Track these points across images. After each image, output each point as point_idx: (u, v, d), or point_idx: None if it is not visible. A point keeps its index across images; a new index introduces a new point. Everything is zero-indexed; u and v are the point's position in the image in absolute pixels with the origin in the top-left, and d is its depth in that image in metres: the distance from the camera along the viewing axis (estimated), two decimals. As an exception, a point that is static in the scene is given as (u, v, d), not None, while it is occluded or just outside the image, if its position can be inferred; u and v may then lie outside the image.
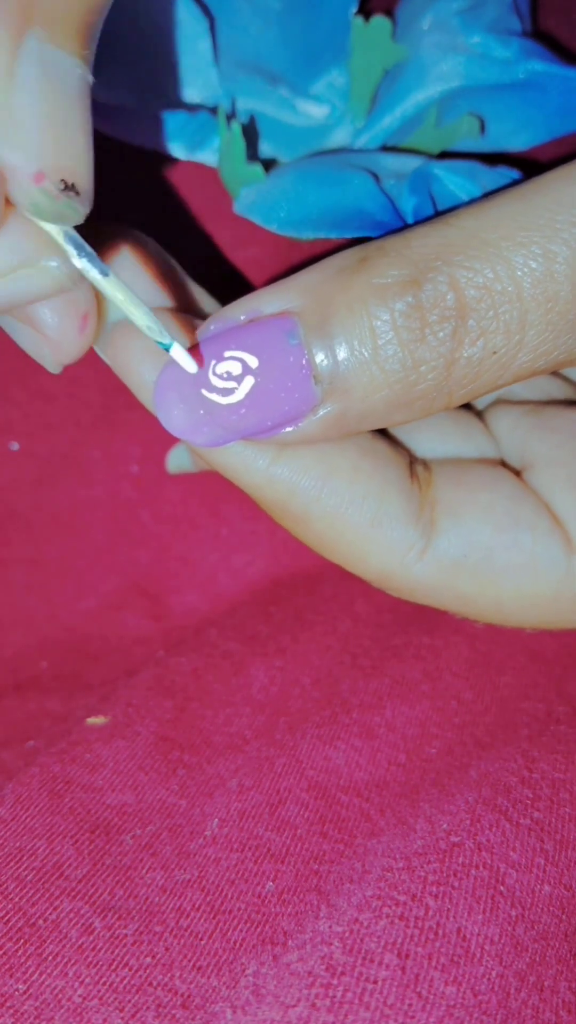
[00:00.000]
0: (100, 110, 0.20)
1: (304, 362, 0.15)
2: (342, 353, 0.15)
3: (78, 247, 0.14)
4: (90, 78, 0.13)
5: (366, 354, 0.15)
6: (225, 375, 0.15)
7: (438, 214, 0.18)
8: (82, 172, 0.13)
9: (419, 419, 0.16)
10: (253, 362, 0.15)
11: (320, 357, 0.15)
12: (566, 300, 0.14)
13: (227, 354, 0.15)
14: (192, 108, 0.21)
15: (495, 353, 0.15)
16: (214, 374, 0.15)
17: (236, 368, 0.15)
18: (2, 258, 0.14)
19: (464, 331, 0.15)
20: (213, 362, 0.15)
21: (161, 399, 0.15)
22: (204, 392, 0.15)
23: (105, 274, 0.14)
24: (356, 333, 0.15)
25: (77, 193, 0.13)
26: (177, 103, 0.20)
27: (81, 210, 0.13)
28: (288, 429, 0.15)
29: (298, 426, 0.15)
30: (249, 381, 0.15)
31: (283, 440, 0.16)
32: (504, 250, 0.14)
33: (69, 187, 0.13)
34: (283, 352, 0.15)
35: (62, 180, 0.13)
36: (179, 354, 0.15)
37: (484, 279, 0.14)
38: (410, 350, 0.15)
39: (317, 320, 0.15)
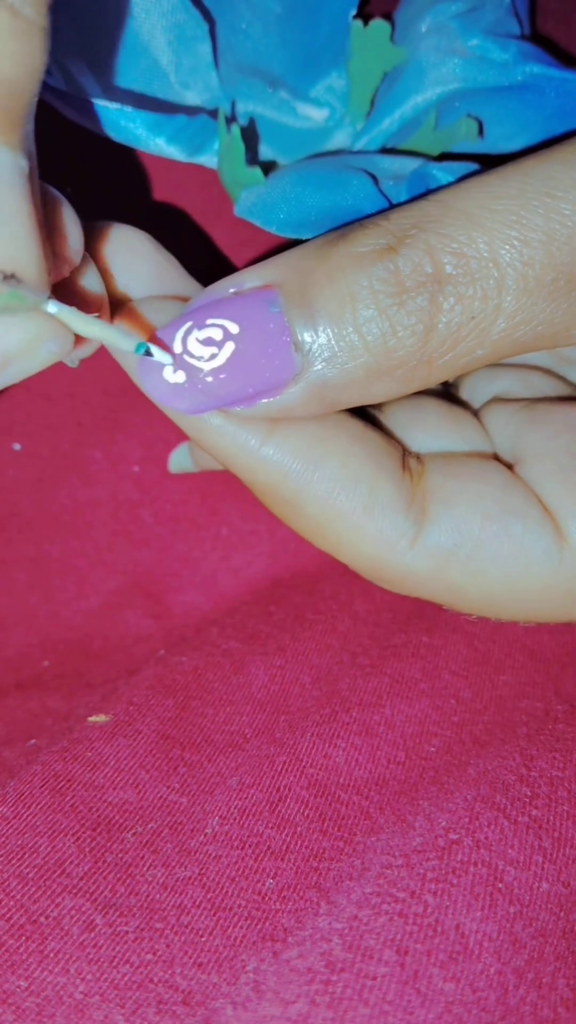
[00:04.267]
0: (89, 108, 0.21)
1: (284, 329, 0.15)
2: (321, 320, 0.15)
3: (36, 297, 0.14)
4: (24, 164, 0.13)
5: (345, 319, 0.15)
6: (207, 341, 0.15)
7: None
8: (24, 259, 0.13)
9: (402, 392, 0.16)
10: (234, 328, 0.15)
11: (300, 324, 0.15)
12: (542, 265, 0.15)
13: (209, 321, 0.15)
14: (192, 111, 0.21)
15: (473, 318, 0.15)
16: (196, 340, 0.15)
17: (218, 334, 0.15)
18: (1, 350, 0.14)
19: (442, 296, 0.15)
20: (195, 329, 0.15)
21: (145, 366, 0.15)
22: (186, 357, 0.15)
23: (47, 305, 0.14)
24: (335, 299, 0.15)
25: (21, 281, 0.13)
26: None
27: (31, 298, 0.13)
28: (270, 399, 0.16)
29: (280, 395, 0.15)
30: (230, 346, 0.15)
31: (266, 411, 0.16)
32: (479, 218, 0.15)
33: (9, 277, 0.13)
34: (263, 319, 0.15)
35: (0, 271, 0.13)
36: (157, 353, 0.15)
37: (460, 244, 0.15)
38: (388, 315, 0.15)
39: (297, 289, 0.15)
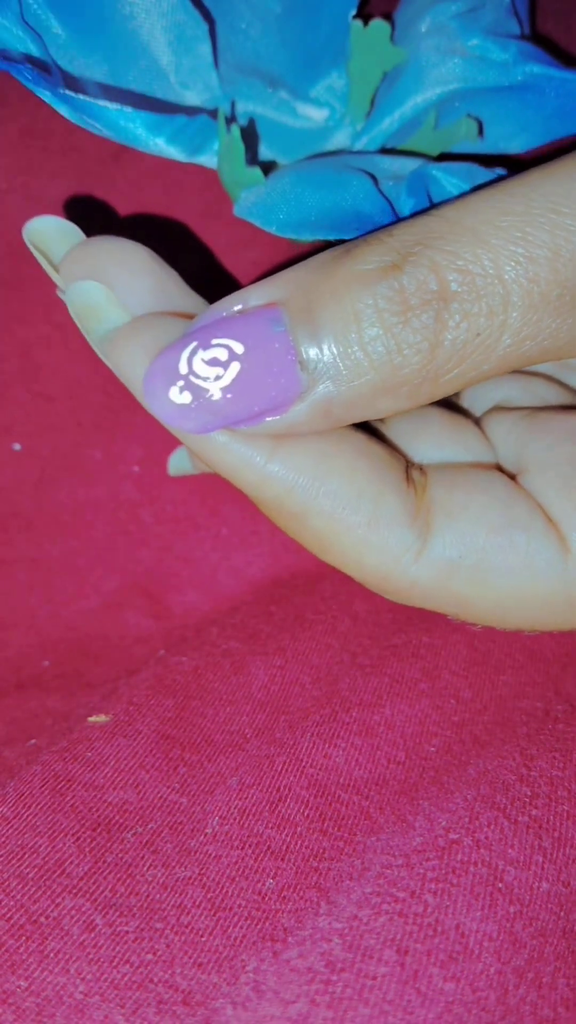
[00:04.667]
0: (89, 108, 0.21)
1: (289, 348, 0.15)
2: (326, 338, 0.15)
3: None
4: None
5: (350, 338, 0.15)
6: (212, 361, 0.15)
7: None
8: None
9: (407, 408, 0.16)
10: (239, 348, 0.15)
11: (305, 342, 0.15)
12: (547, 281, 0.15)
13: (214, 341, 0.15)
14: (192, 111, 0.21)
15: (479, 335, 0.15)
16: (202, 360, 0.15)
17: (223, 354, 0.15)
18: None
19: (447, 313, 0.15)
20: (200, 349, 0.15)
21: (150, 387, 0.15)
22: (191, 377, 0.15)
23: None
24: (340, 318, 0.15)
25: None
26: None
27: None
28: (276, 417, 0.16)
29: (286, 413, 0.16)
30: (235, 367, 0.15)
31: (272, 429, 0.16)
32: (484, 234, 0.15)
33: None
34: (268, 338, 0.15)
35: None
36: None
37: (465, 261, 0.15)
38: (394, 333, 0.15)
39: (302, 308, 0.15)
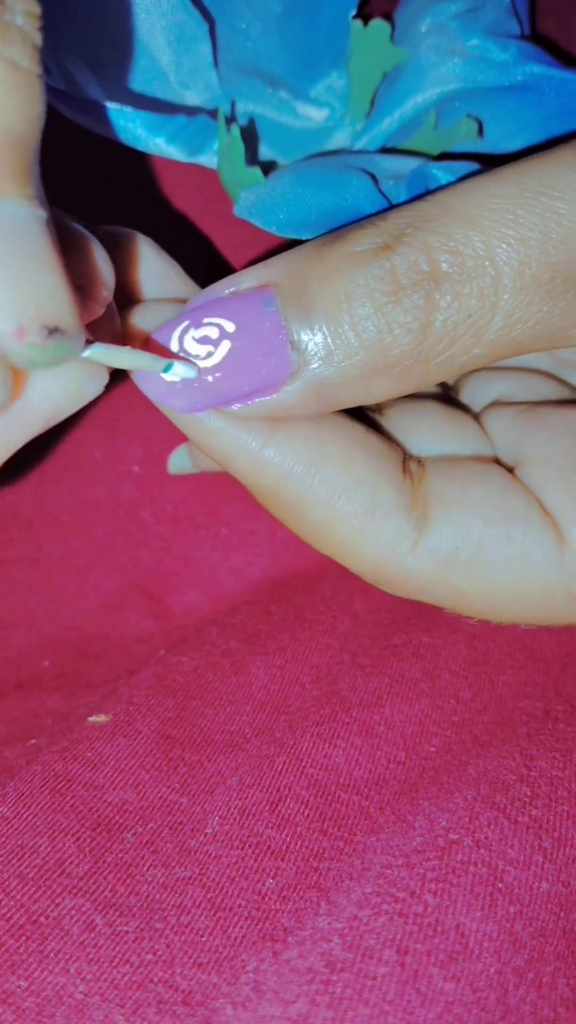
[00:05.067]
0: (89, 107, 0.21)
1: (280, 327, 0.15)
2: (317, 318, 0.15)
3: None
4: (42, 213, 0.13)
5: (341, 318, 0.15)
6: (203, 339, 0.15)
7: None
8: (63, 311, 0.13)
9: (400, 392, 0.16)
10: (230, 327, 0.15)
11: (296, 322, 0.15)
12: (538, 263, 0.15)
13: (206, 320, 0.15)
14: (192, 111, 0.21)
15: (470, 316, 0.15)
16: (193, 339, 0.15)
17: (214, 333, 0.15)
18: None
19: (439, 294, 0.15)
20: (192, 328, 0.15)
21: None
22: (182, 355, 0.15)
23: (90, 347, 0.14)
24: (331, 298, 0.15)
25: (64, 332, 0.13)
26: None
27: (74, 347, 0.13)
28: (267, 398, 0.16)
29: (277, 394, 0.16)
30: (226, 345, 0.15)
31: (263, 410, 0.16)
32: (476, 216, 0.15)
33: (54, 331, 0.13)
34: (260, 318, 0.15)
35: (44, 327, 0.12)
36: (179, 369, 0.15)
37: (456, 243, 0.15)
38: (384, 313, 0.15)
39: (294, 289, 0.15)
